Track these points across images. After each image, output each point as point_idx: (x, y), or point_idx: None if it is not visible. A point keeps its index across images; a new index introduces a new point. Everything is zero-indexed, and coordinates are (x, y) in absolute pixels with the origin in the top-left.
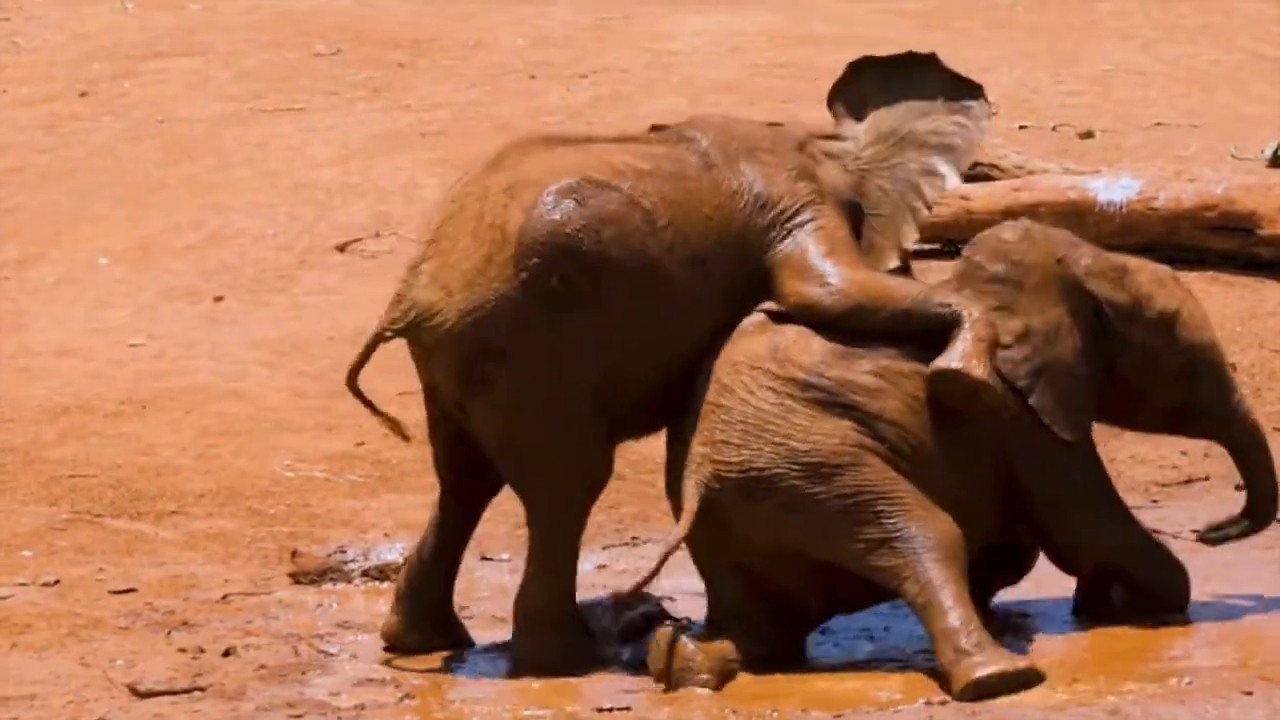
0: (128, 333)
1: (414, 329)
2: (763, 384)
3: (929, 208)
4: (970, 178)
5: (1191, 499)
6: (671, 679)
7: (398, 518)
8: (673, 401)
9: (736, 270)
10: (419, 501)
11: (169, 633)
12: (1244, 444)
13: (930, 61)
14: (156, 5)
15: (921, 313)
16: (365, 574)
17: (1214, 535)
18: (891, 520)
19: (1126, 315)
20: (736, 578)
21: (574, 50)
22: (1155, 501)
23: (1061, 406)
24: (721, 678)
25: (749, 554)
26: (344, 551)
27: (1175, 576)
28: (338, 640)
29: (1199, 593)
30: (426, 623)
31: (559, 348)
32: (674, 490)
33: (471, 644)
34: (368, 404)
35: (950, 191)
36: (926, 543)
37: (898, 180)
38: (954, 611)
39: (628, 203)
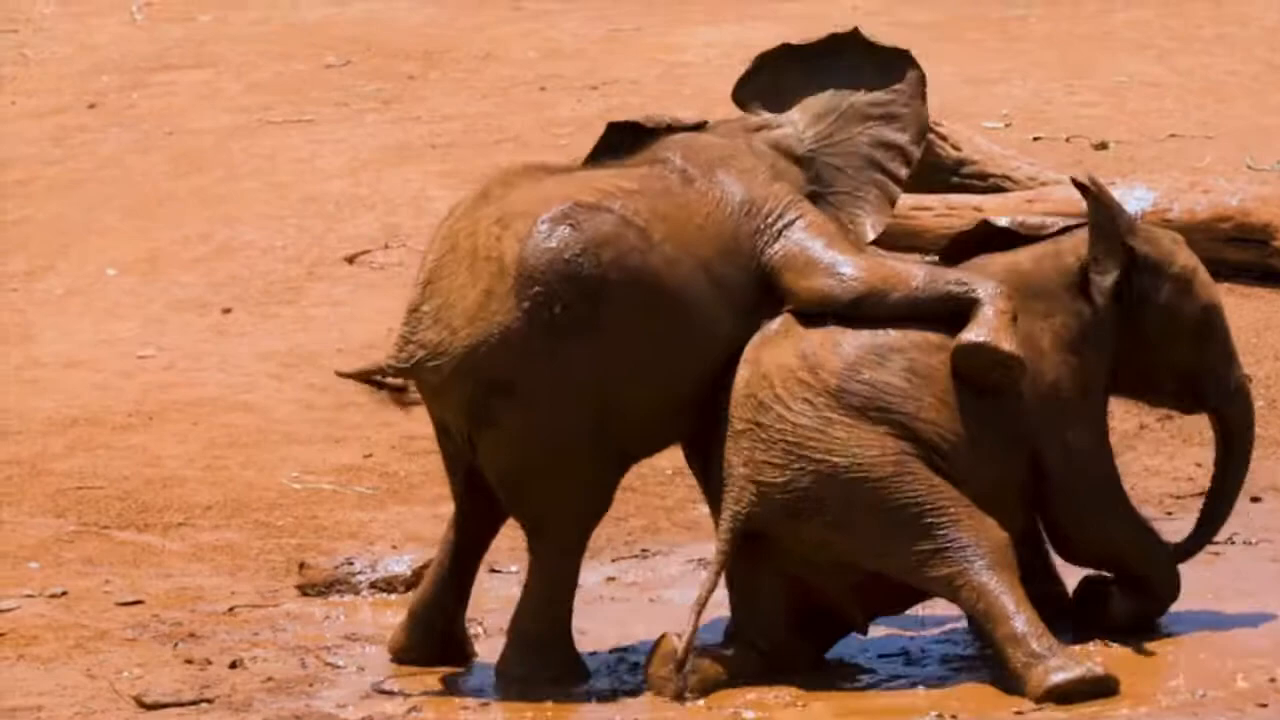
0: (136, 344)
1: (420, 369)
2: (798, 396)
3: (897, 180)
4: (983, 189)
5: None
6: (660, 685)
7: (405, 530)
8: (683, 420)
9: (738, 278)
10: (426, 514)
11: (176, 644)
12: (1239, 422)
13: (853, 38)
14: (165, 17)
15: (934, 292)
16: (373, 586)
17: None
18: (941, 530)
19: (1154, 269)
20: (777, 588)
21: (585, 62)
22: (1170, 514)
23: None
24: (705, 688)
25: (795, 565)
26: (351, 563)
27: (1171, 576)
28: (345, 652)
29: (1211, 603)
30: (436, 644)
31: (564, 376)
32: (715, 504)
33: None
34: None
35: (963, 203)
36: (979, 550)
37: (849, 156)
38: (1018, 617)
39: (621, 223)
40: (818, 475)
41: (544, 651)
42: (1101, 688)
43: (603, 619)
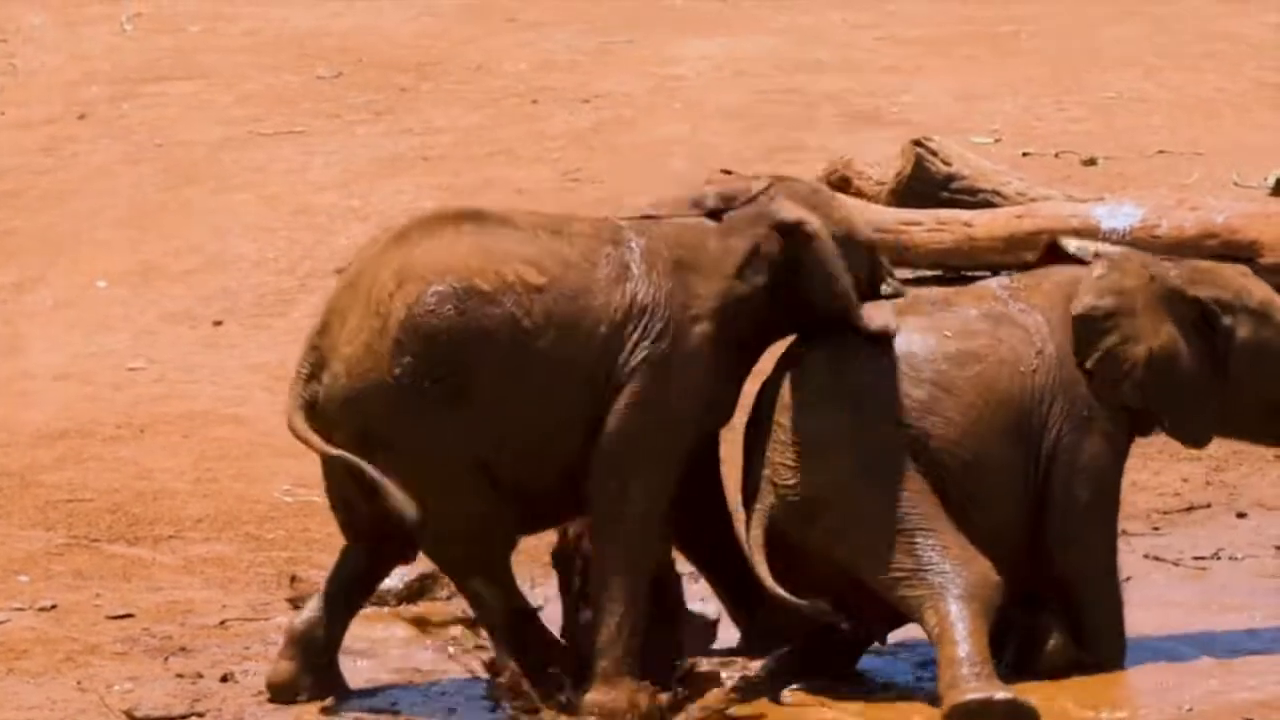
0: (126, 356)
1: (313, 407)
2: (820, 399)
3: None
4: (972, 204)
5: (1193, 526)
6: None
7: None
8: (565, 504)
9: (623, 388)
10: None
11: (166, 658)
12: None
13: None
14: (156, 28)
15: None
16: None
17: None
18: (927, 554)
19: (1232, 311)
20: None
21: (577, 75)
22: (1157, 529)
23: (1195, 418)
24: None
25: (815, 570)
26: None
27: (1118, 639)
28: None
29: (1197, 619)
30: (318, 675)
31: (437, 439)
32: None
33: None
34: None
35: (953, 219)
36: (957, 580)
37: None
38: (965, 644)
39: (508, 321)
40: (826, 480)
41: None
42: (1013, 714)
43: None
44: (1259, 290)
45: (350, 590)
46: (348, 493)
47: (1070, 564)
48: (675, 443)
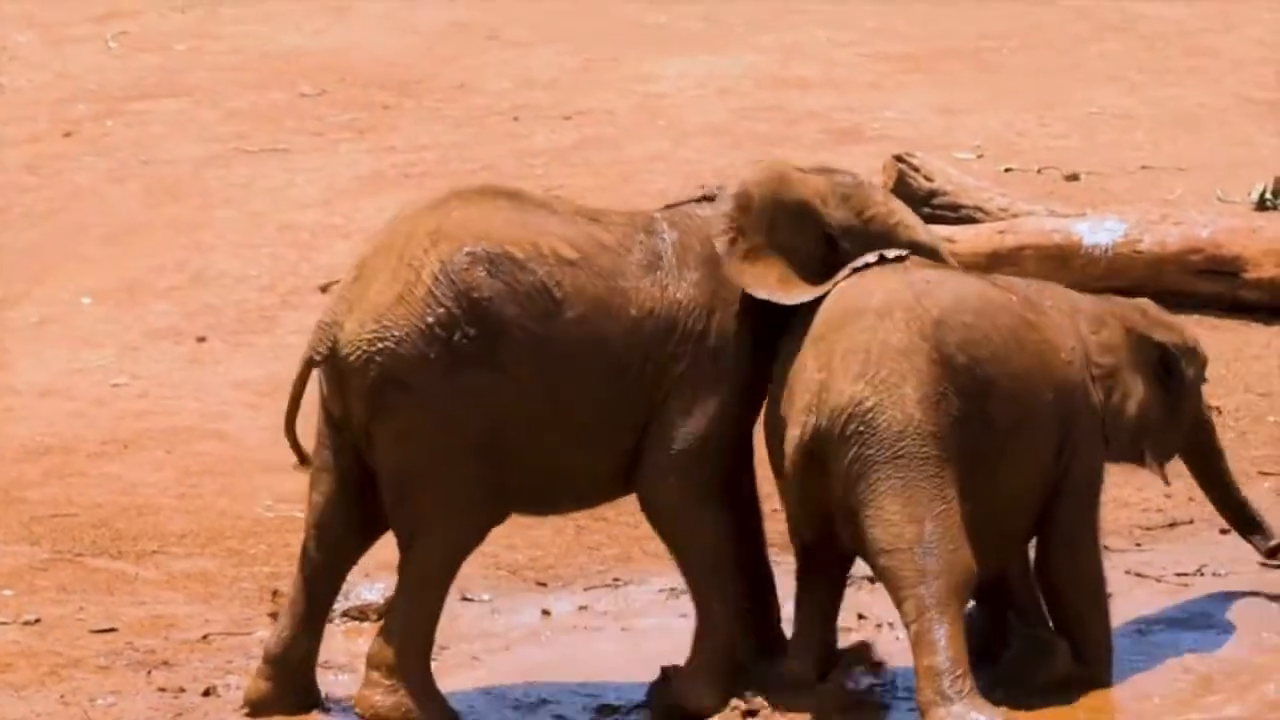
0: (110, 373)
1: (332, 355)
2: (895, 315)
3: None
4: (955, 220)
5: (1175, 542)
6: None
7: (378, 558)
8: (568, 483)
9: (654, 379)
10: None
11: (149, 672)
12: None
13: None
14: (141, 46)
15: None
16: (345, 614)
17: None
18: (928, 529)
19: (1187, 355)
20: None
21: (559, 92)
22: (1139, 545)
23: (1168, 458)
24: None
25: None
26: None
27: (1109, 653)
28: (318, 680)
29: (1181, 634)
30: (296, 690)
31: (458, 394)
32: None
33: (325, 708)
34: (299, 453)
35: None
36: (943, 567)
37: None
38: (944, 651)
39: (538, 288)
40: (880, 401)
41: (403, 678)
42: None
43: (575, 648)
44: (1193, 335)
45: (318, 603)
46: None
47: (1067, 573)
48: (726, 437)
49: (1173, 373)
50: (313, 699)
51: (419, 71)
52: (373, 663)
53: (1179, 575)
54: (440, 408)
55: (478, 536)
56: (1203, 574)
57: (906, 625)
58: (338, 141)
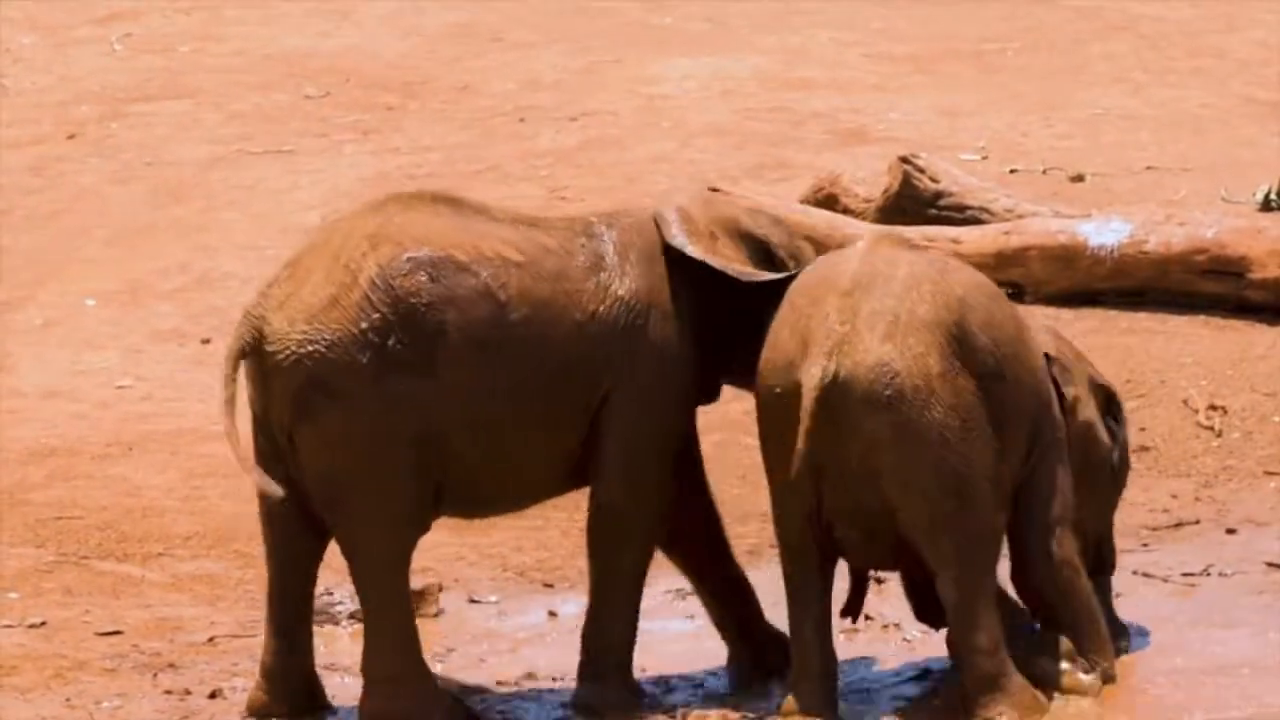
0: (115, 375)
1: (257, 350)
2: (923, 287)
3: None
4: (960, 221)
5: (1181, 542)
6: None
7: None
8: (506, 484)
9: (598, 380)
10: None
11: (155, 675)
12: None
13: None
14: (145, 47)
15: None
16: (352, 616)
17: None
18: (963, 503)
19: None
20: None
21: (563, 93)
22: (1145, 545)
23: None
24: None
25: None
26: (330, 594)
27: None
28: (324, 682)
29: (1187, 636)
30: (298, 696)
31: (385, 400)
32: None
33: (333, 710)
34: (237, 448)
35: (941, 235)
36: (980, 542)
37: None
38: (985, 630)
39: (482, 291)
40: (912, 366)
41: (398, 682)
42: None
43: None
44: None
45: (297, 609)
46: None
47: (1053, 578)
48: (673, 438)
49: (1116, 416)
50: (316, 703)
51: (423, 73)
52: (367, 674)
53: (1185, 575)
54: (368, 415)
55: (412, 541)
56: (1209, 574)
57: (944, 600)
58: (342, 143)
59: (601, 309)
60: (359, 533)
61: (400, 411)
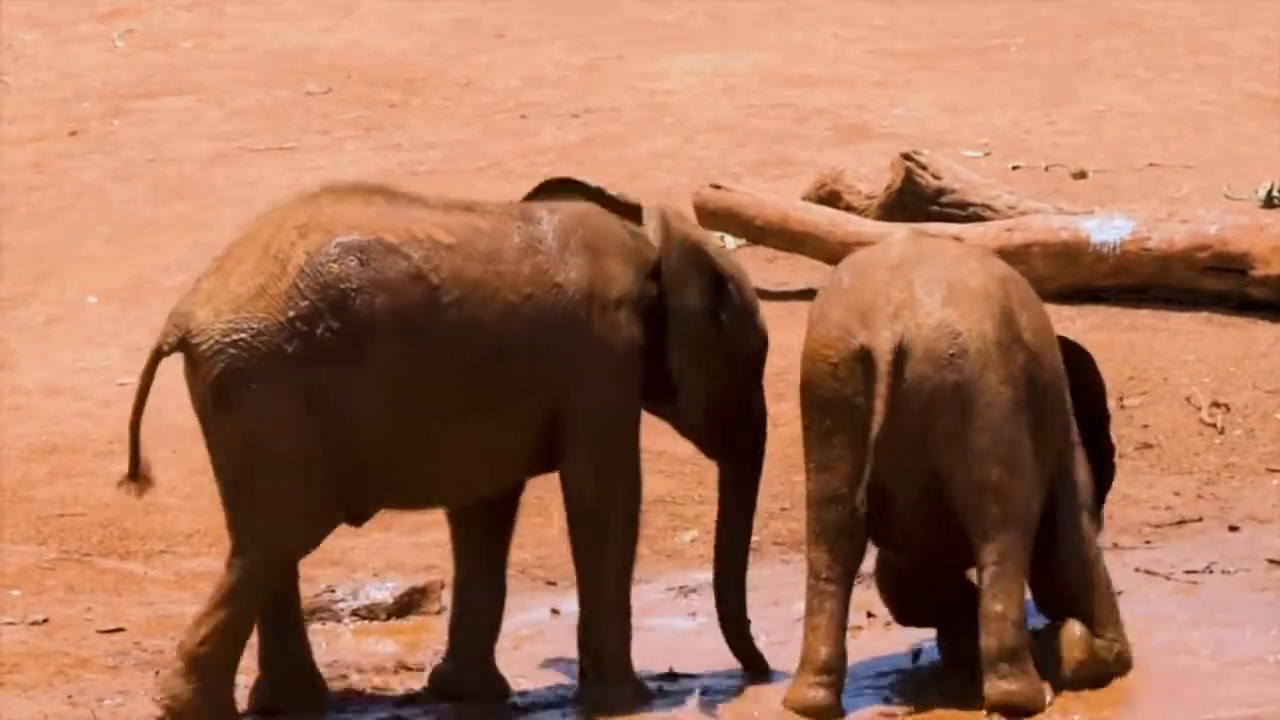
0: (117, 372)
1: (184, 344)
2: (971, 264)
3: None
4: (963, 218)
5: (1184, 539)
6: None
7: (387, 557)
8: (429, 481)
9: (539, 367)
10: (408, 541)
11: (157, 672)
12: None
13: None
14: (147, 44)
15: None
16: (354, 613)
17: None
18: (1011, 473)
19: None
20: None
21: (566, 90)
22: (1148, 542)
23: None
24: None
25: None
26: (333, 591)
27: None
28: (326, 679)
29: (1190, 633)
30: (295, 690)
31: (310, 391)
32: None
33: (334, 705)
34: (134, 448)
35: (943, 232)
36: (1022, 514)
37: None
38: (1015, 605)
39: (412, 274)
40: (975, 329)
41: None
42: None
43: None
44: None
45: (274, 601)
46: None
47: (1078, 571)
48: (631, 430)
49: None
50: (315, 698)
51: (425, 69)
52: (180, 654)
53: (1188, 573)
54: (289, 407)
55: (309, 545)
56: (1212, 571)
57: (980, 567)
58: (344, 140)
59: (539, 293)
60: (256, 532)
61: (323, 404)
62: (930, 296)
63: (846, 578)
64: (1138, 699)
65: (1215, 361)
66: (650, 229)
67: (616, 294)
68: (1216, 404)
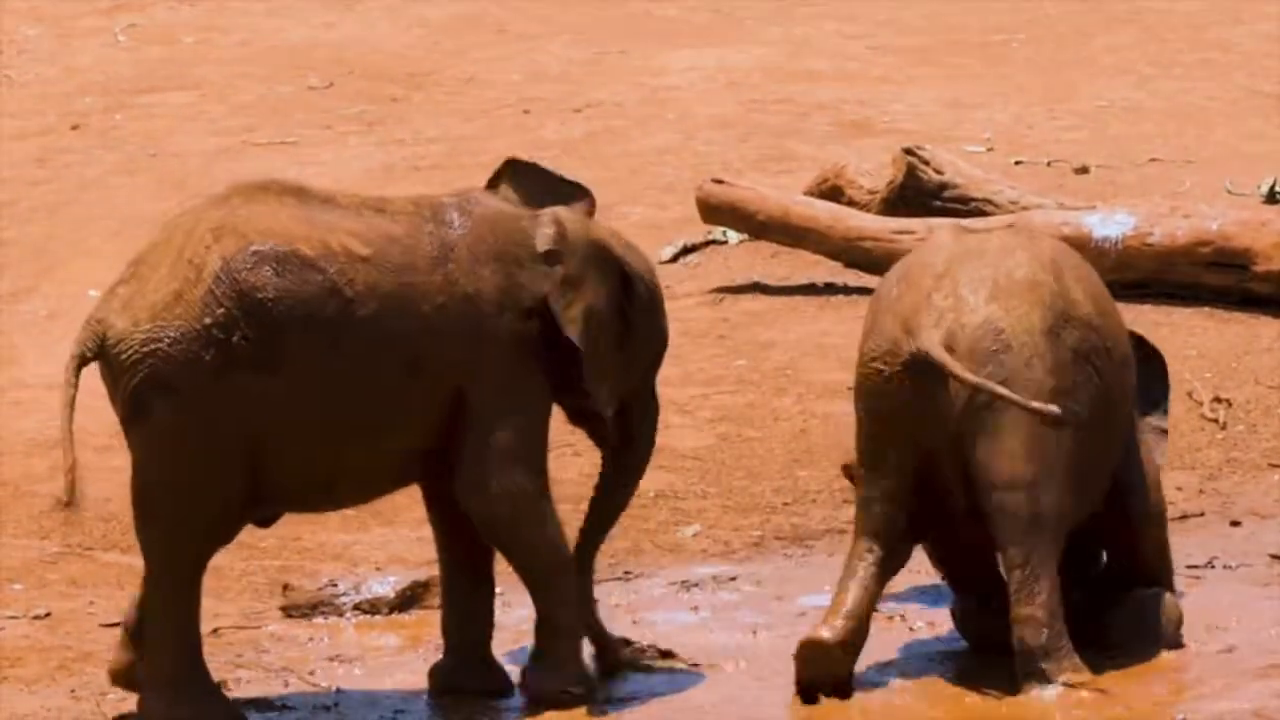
0: None
1: (103, 353)
2: (1017, 254)
3: None
4: (965, 213)
5: (1185, 535)
6: None
7: (389, 551)
8: (347, 481)
9: (450, 376)
10: (411, 535)
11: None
12: None
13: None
14: (149, 38)
15: None
16: (357, 607)
17: None
18: (1044, 471)
19: None
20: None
21: (569, 85)
22: None
23: None
24: None
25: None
26: (335, 585)
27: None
28: (329, 674)
29: (1191, 628)
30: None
31: (228, 399)
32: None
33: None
34: (68, 446)
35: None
36: (1051, 514)
37: None
38: (1045, 605)
39: (328, 288)
40: (1014, 330)
41: (176, 686)
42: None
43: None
44: None
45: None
46: None
47: (1150, 542)
48: (534, 439)
49: None
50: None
51: (428, 64)
52: (145, 679)
53: (1190, 568)
54: (206, 415)
55: (216, 545)
56: (1214, 566)
57: (1008, 569)
58: (346, 134)
59: (449, 303)
60: (167, 538)
61: (239, 409)
62: (975, 295)
63: (885, 568)
64: (1137, 695)
65: (1217, 357)
66: (543, 236)
67: (528, 302)
68: (1218, 399)
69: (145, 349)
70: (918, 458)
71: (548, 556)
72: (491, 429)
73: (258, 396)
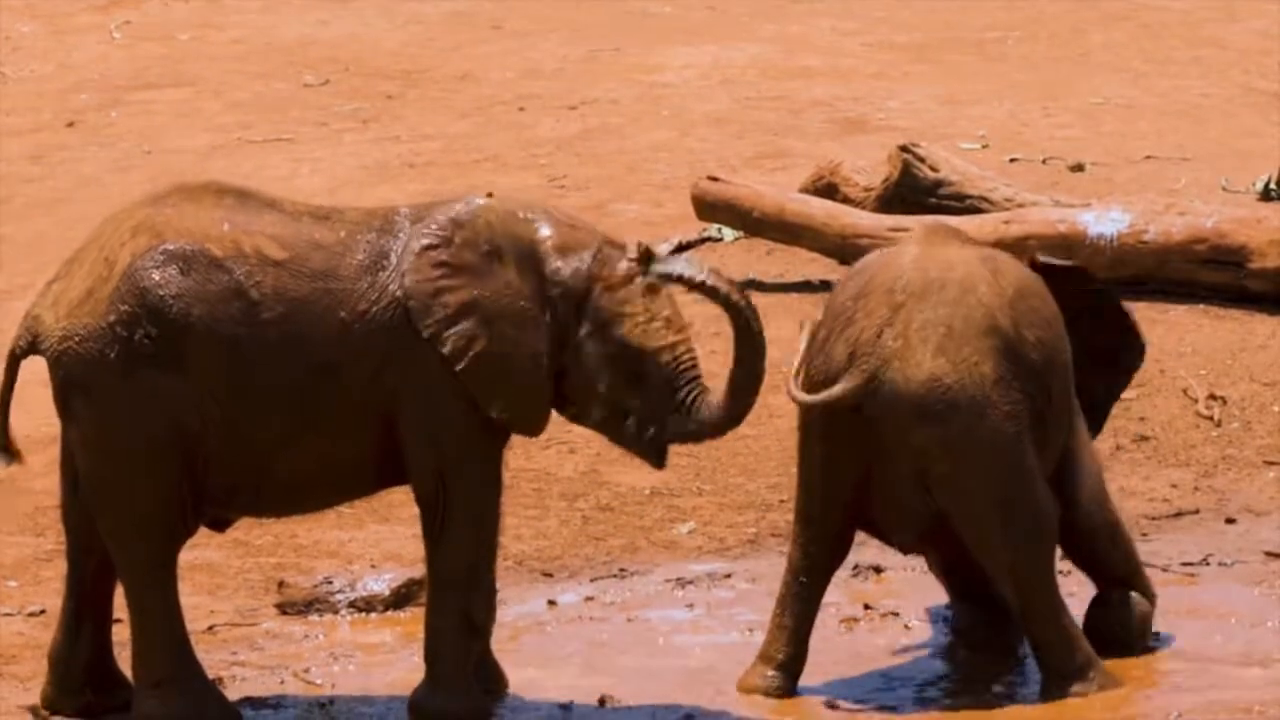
0: None
1: (34, 348)
2: (980, 290)
3: None
4: (960, 210)
5: (1181, 532)
6: None
7: (384, 549)
8: (277, 487)
9: (371, 385)
10: (406, 533)
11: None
12: None
13: None
14: (144, 36)
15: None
16: (352, 605)
17: None
18: (1014, 506)
19: None
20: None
21: (564, 82)
22: (1145, 535)
23: None
24: None
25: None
26: (330, 582)
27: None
28: (324, 671)
29: (1187, 625)
30: (84, 688)
31: (140, 397)
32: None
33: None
34: (5, 448)
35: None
36: (1035, 539)
37: None
38: (1053, 623)
39: (233, 289)
40: (964, 382)
41: (172, 683)
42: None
43: (581, 639)
44: None
45: (79, 598)
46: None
47: (1103, 550)
48: (476, 441)
49: None
50: (109, 696)
51: (423, 61)
52: (136, 680)
53: (1185, 565)
54: (123, 413)
55: (174, 545)
56: (1209, 564)
57: (1007, 597)
58: (342, 132)
59: (373, 310)
60: (120, 537)
61: (151, 410)
62: (925, 344)
63: (821, 582)
64: (1134, 692)
65: (1212, 354)
66: (460, 237)
67: (462, 310)
68: (1214, 396)
69: (61, 346)
70: (860, 475)
71: (462, 573)
72: (431, 436)
73: (171, 396)
